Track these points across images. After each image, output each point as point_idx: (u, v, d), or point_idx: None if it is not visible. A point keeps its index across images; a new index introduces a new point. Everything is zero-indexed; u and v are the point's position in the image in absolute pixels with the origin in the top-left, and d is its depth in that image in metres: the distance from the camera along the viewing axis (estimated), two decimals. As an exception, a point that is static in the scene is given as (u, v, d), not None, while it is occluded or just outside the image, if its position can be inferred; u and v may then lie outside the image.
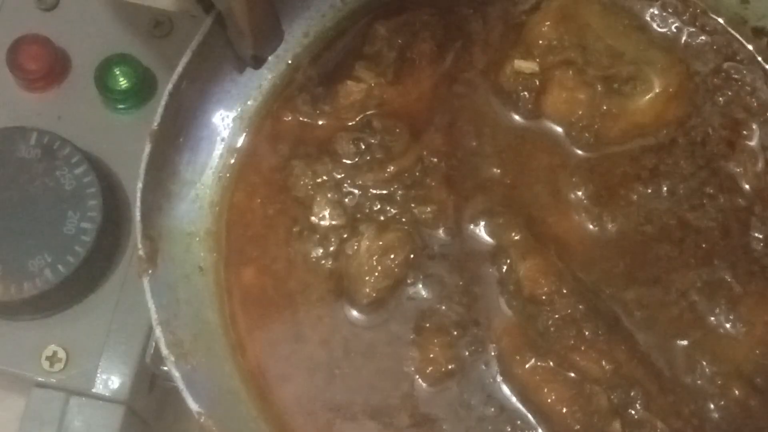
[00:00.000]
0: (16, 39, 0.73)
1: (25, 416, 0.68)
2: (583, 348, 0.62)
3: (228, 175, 0.68)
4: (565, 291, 0.64)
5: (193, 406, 0.55)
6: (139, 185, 0.59)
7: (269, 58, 0.68)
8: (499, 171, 0.68)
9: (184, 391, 0.55)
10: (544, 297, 0.64)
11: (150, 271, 0.58)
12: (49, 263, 0.67)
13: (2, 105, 0.73)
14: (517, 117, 0.69)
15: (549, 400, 0.62)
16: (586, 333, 0.63)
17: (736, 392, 0.63)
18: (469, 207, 0.67)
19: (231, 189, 0.68)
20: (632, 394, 0.61)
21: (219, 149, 0.68)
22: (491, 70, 0.70)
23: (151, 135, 0.60)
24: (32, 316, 0.69)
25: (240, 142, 0.69)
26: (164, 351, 0.56)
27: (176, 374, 0.55)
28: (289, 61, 0.70)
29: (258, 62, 0.64)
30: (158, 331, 0.56)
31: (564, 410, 0.62)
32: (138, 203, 0.58)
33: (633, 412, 0.61)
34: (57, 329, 0.69)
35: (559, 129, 0.69)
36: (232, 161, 0.68)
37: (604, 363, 0.62)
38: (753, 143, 0.68)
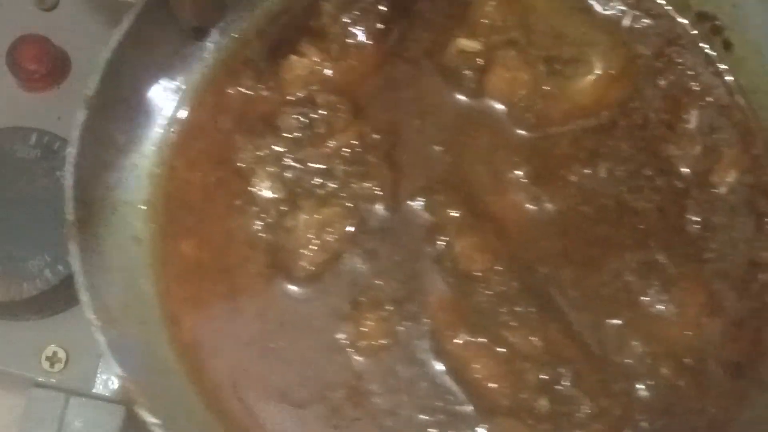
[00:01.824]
0: (16, 39, 0.72)
1: (25, 416, 0.68)
2: (514, 325, 0.63)
3: (169, 146, 0.68)
4: (499, 268, 0.64)
5: (116, 370, 0.55)
6: (71, 150, 0.59)
7: (214, 30, 0.68)
8: (440, 149, 0.68)
9: (107, 356, 0.55)
10: (478, 274, 0.64)
11: (80, 237, 0.58)
12: (49, 263, 0.67)
13: (2, 105, 0.73)
14: (460, 96, 0.69)
15: (479, 376, 0.62)
16: (518, 310, 0.63)
17: (666, 372, 0.63)
18: (409, 184, 0.67)
19: (171, 160, 0.68)
20: (561, 371, 0.62)
21: (160, 120, 0.68)
22: (436, 48, 0.70)
23: (85, 102, 0.59)
24: (32, 316, 0.69)
25: (182, 113, 0.69)
26: (89, 315, 0.56)
27: (101, 339, 0.55)
28: (234, 35, 0.70)
29: (200, 34, 0.64)
30: (83, 296, 0.56)
31: (493, 386, 0.62)
32: (71, 169, 0.58)
33: (561, 389, 0.62)
34: (57, 329, 0.69)
35: (502, 108, 0.69)
36: (173, 133, 0.68)
37: (534, 340, 0.62)
38: (692, 127, 0.68)
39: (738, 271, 0.66)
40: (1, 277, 0.66)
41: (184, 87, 0.69)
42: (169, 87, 0.68)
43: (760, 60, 0.68)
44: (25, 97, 0.73)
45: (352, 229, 0.66)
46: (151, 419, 0.54)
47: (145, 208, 0.66)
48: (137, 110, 0.66)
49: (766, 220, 0.67)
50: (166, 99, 0.68)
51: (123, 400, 0.55)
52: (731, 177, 0.68)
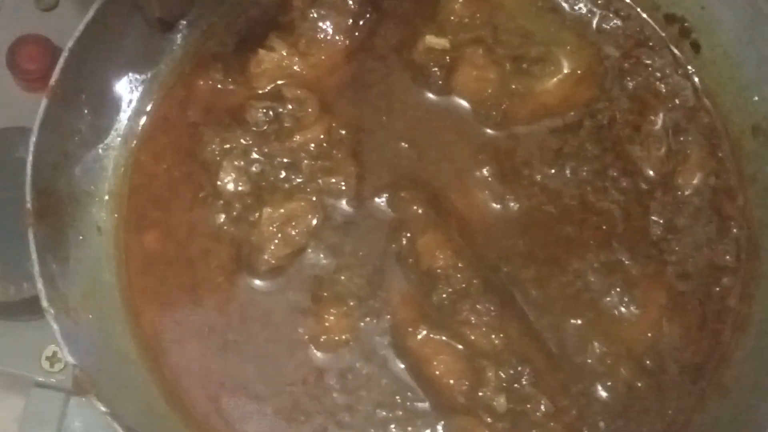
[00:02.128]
0: (16, 39, 0.72)
1: (25, 416, 0.68)
2: (475, 322, 0.63)
3: (135, 138, 0.68)
4: (461, 266, 0.64)
5: (68, 358, 0.55)
6: (33, 139, 0.59)
7: (182, 23, 0.68)
8: (406, 146, 0.69)
9: (60, 344, 0.55)
10: (440, 271, 0.64)
11: (38, 226, 0.58)
12: (48, 263, 0.66)
13: (2, 105, 0.73)
14: (427, 93, 0.70)
15: (438, 372, 0.62)
16: (479, 308, 0.63)
17: (625, 373, 0.63)
18: (374, 180, 0.68)
19: (137, 152, 0.68)
20: (520, 369, 0.62)
21: (127, 112, 0.68)
22: (405, 45, 0.70)
23: (48, 91, 0.59)
24: (32, 316, 0.68)
25: (149, 106, 0.69)
26: (44, 303, 0.56)
27: (54, 327, 0.55)
28: (204, 28, 0.70)
29: (165, 26, 0.64)
30: (39, 284, 0.56)
31: (451, 383, 0.62)
32: (30, 158, 0.58)
33: (520, 387, 0.62)
34: (57, 329, 0.68)
35: (468, 107, 0.69)
36: (141, 124, 0.68)
37: (494, 338, 0.62)
38: (658, 128, 0.68)
39: (700, 274, 0.66)
40: (1, 277, 0.66)
41: (151, 79, 0.69)
42: (136, 79, 0.68)
43: (728, 62, 0.68)
44: (25, 97, 0.73)
45: (316, 223, 0.66)
46: (101, 408, 0.54)
47: (109, 198, 0.66)
48: (103, 101, 0.66)
49: (731, 223, 0.67)
50: (133, 91, 0.68)
51: (75, 389, 0.55)
52: (696, 179, 0.68)
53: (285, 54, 0.69)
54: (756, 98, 0.67)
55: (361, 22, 0.71)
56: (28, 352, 0.68)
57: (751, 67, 0.67)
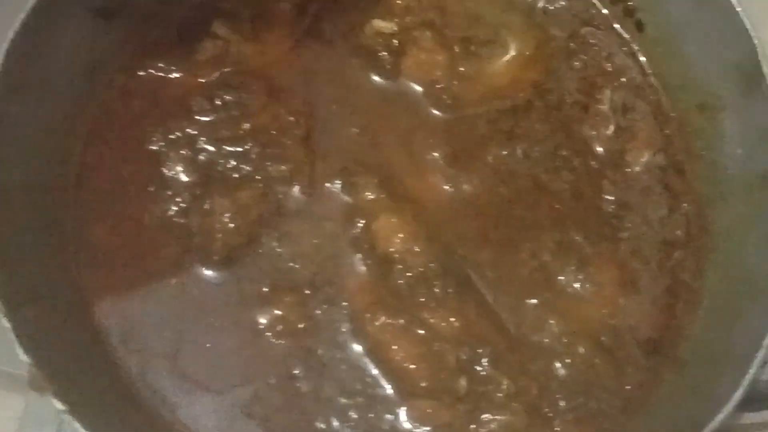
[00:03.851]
0: None
1: (25, 416, 0.66)
2: (432, 306, 0.63)
3: (80, 130, 0.66)
4: (417, 249, 0.64)
5: (23, 357, 0.54)
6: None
7: (124, 11, 0.67)
8: (357, 131, 0.68)
9: (14, 342, 0.54)
10: (396, 255, 0.64)
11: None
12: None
13: None
14: (377, 78, 0.69)
15: (398, 358, 0.62)
16: (437, 291, 0.63)
17: (582, 350, 0.64)
18: (326, 166, 0.67)
19: (82, 145, 0.66)
20: (479, 351, 0.62)
21: (70, 104, 0.65)
22: (352, 30, 0.70)
23: (-10, 84, 0.57)
24: None
25: (93, 96, 0.67)
26: (-6, 301, 0.54)
27: (6, 324, 0.54)
28: (146, 15, 0.69)
29: (106, 15, 0.63)
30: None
31: (412, 367, 0.62)
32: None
33: (480, 369, 0.62)
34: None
35: (418, 90, 0.69)
36: (85, 116, 0.66)
37: (452, 320, 0.62)
38: (606, 107, 0.69)
39: (652, 250, 0.67)
40: None
41: (95, 70, 0.66)
42: (79, 69, 0.65)
43: (672, 40, 0.69)
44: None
45: (269, 212, 0.65)
46: (59, 406, 0.53)
47: (55, 192, 0.64)
48: (44, 94, 0.63)
49: (680, 198, 0.68)
50: (76, 81, 0.66)
51: (32, 386, 0.53)
52: (645, 156, 0.69)
53: (230, 41, 0.68)
54: (701, 76, 0.67)
55: (309, 7, 0.70)
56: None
57: (694, 45, 0.67)
